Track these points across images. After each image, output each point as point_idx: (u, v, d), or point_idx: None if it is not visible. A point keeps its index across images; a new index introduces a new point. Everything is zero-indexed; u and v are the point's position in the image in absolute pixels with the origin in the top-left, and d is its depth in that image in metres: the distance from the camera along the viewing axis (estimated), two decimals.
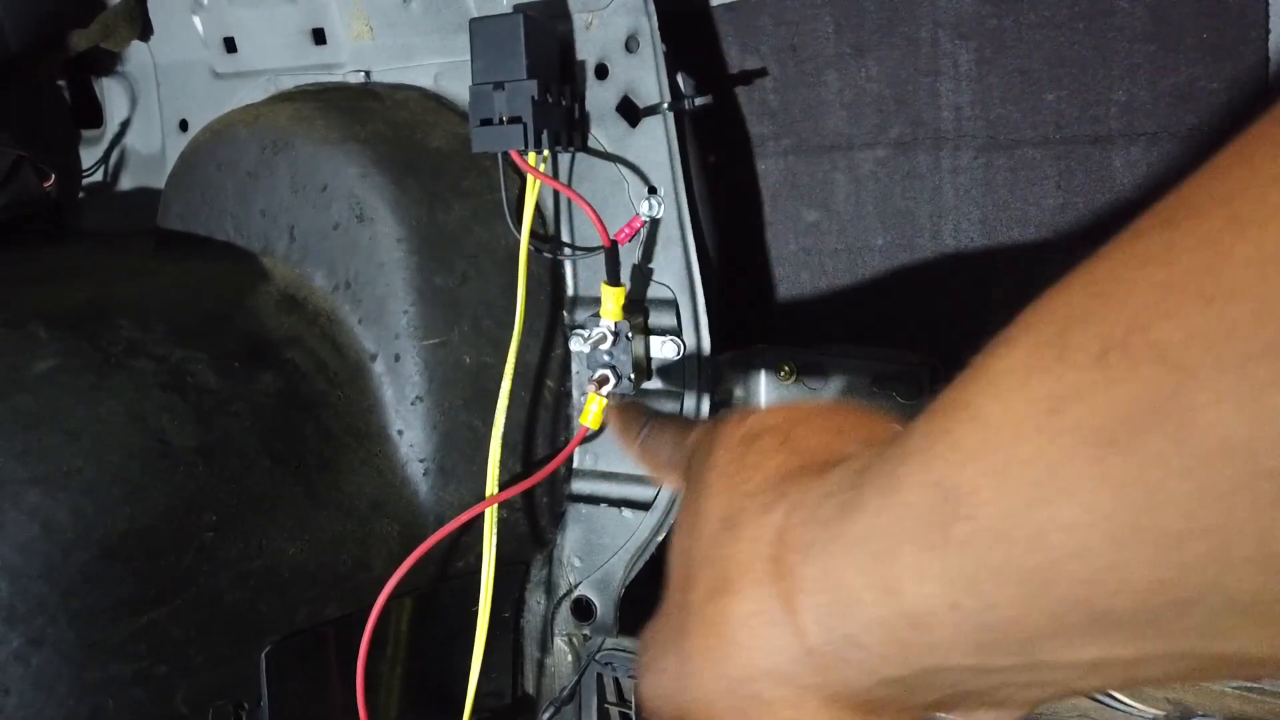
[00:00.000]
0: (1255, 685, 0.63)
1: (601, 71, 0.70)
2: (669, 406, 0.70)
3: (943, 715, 0.31)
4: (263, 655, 0.61)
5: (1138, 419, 0.19)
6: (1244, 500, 0.18)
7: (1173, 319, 0.19)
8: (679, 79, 0.69)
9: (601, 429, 0.73)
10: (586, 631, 0.77)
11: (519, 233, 0.68)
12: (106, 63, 1.00)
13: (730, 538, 0.31)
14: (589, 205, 0.68)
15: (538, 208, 0.71)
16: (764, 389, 0.73)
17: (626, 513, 0.73)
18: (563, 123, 0.68)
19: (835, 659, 0.27)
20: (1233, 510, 0.19)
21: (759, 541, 0.30)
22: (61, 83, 1.01)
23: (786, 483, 0.31)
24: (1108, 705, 0.64)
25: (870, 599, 0.25)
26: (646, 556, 0.73)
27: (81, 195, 1.02)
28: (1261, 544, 0.19)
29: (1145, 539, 0.20)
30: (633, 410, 0.53)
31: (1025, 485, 0.21)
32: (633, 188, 0.70)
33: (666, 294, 0.70)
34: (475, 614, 0.68)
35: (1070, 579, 0.21)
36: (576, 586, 0.76)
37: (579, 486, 0.76)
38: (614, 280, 0.69)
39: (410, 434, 0.69)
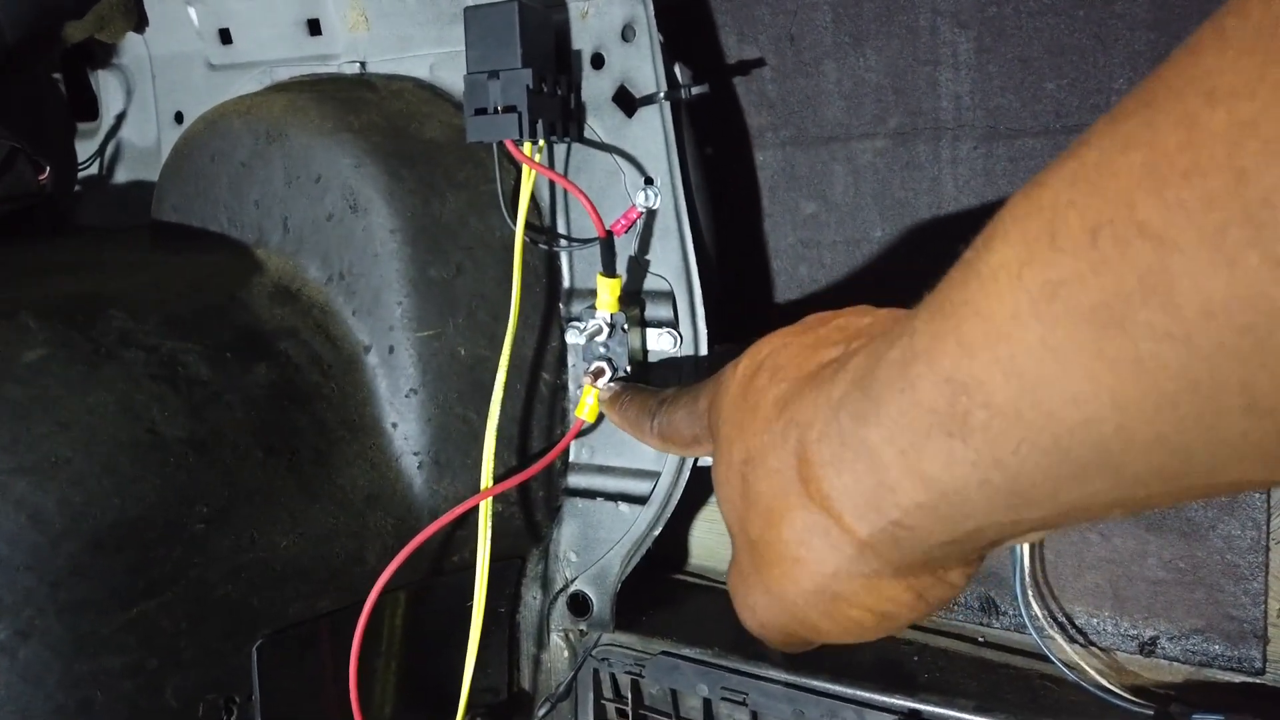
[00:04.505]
0: (1257, 681, 0.63)
1: (598, 61, 0.69)
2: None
3: None
4: (254, 649, 0.60)
5: (1128, 295, 0.21)
6: (1227, 356, 0.20)
7: (1156, 197, 0.20)
8: (676, 69, 0.68)
9: (598, 422, 0.73)
10: (583, 627, 0.76)
11: (514, 224, 0.67)
12: (102, 55, 0.99)
13: (757, 476, 0.34)
14: (585, 196, 0.67)
15: (533, 199, 0.70)
16: None
17: (623, 507, 0.73)
18: (558, 113, 0.68)
19: (888, 543, 0.30)
20: (1218, 367, 0.20)
21: (783, 471, 0.33)
22: (57, 75, 1.00)
23: (788, 410, 0.34)
24: (1108, 699, 0.63)
25: (907, 488, 0.28)
26: (643, 551, 0.73)
27: (77, 188, 1.01)
28: (1244, 392, 0.20)
29: (1145, 402, 0.22)
30: (631, 398, 0.55)
31: (1032, 369, 0.23)
32: (629, 178, 0.69)
33: (663, 286, 0.69)
34: (470, 609, 0.67)
35: (1082, 445, 0.23)
36: (573, 581, 0.76)
37: (575, 480, 0.75)
38: (610, 272, 0.68)
39: (405, 427, 0.69)
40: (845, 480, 0.30)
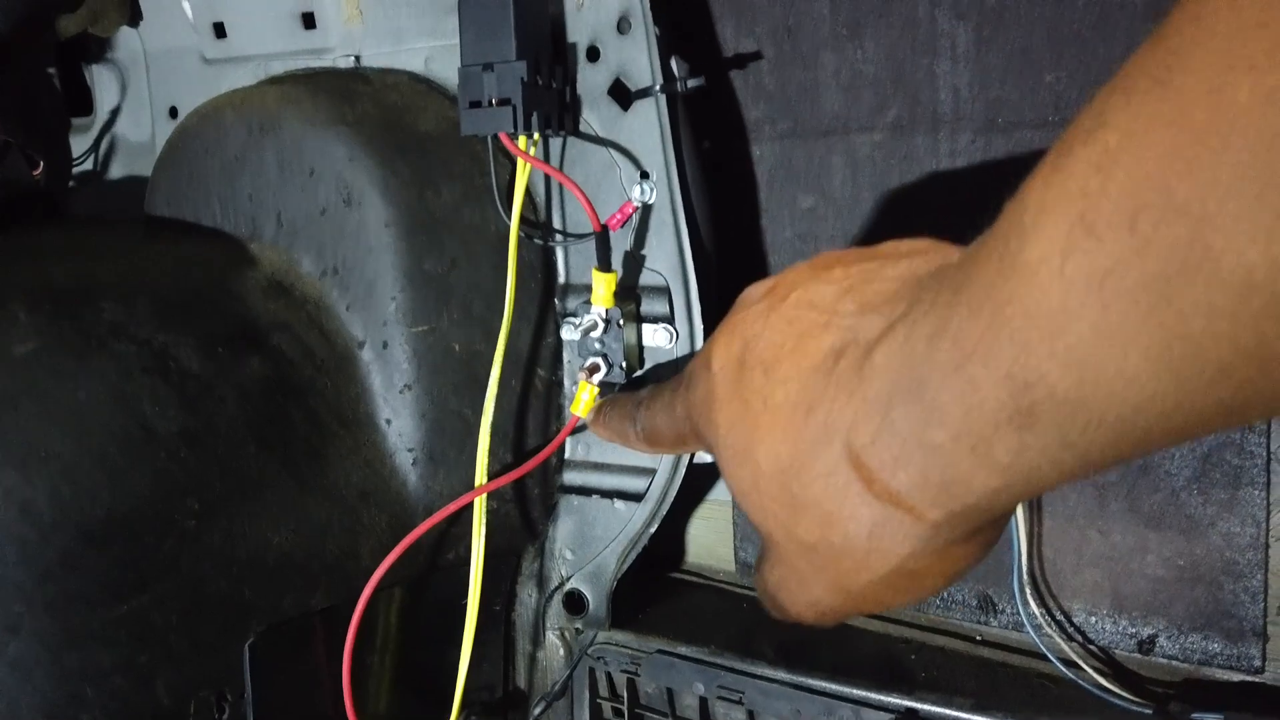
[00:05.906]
0: (1256, 680, 0.62)
1: (593, 53, 0.69)
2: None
3: None
4: (247, 645, 0.60)
5: (1172, 275, 0.22)
6: (1273, 323, 0.21)
7: (1190, 176, 0.21)
8: (672, 61, 0.68)
9: None
10: (579, 625, 0.75)
11: (509, 217, 0.67)
12: (96, 49, 0.99)
13: (804, 483, 0.34)
14: (580, 190, 0.67)
15: (528, 192, 0.70)
16: None
17: (619, 504, 0.72)
18: (553, 105, 0.67)
19: (961, 520, 0.32)
20: (1264, 333, 0.21)
21: (835, 474, 0.33)
22: (51, 70, 1.00)
23: (815, 413, 0.34)
24: (1106, 698, 0.63)
25: (982, 477, 0.29)
26: (639, 549, 0.72)
27: (71, 183, 1.01)
28: None
29: (1203, 374, 0.23)
30: (611, 409, 0.54)
31: (1089, 357, 0.24)
32: (624, 172, 0.69)
33: (659, 281, 0.69)
34: (465, 606, 0.67)
35: (1146, 418, 0.24)
36: (568, 579, 0.75)
37: (571, 477, 0.74)
38: (605, 266, 0.68)
39: (399, 422, 0.68)
40: (914, 476, 0.31)
